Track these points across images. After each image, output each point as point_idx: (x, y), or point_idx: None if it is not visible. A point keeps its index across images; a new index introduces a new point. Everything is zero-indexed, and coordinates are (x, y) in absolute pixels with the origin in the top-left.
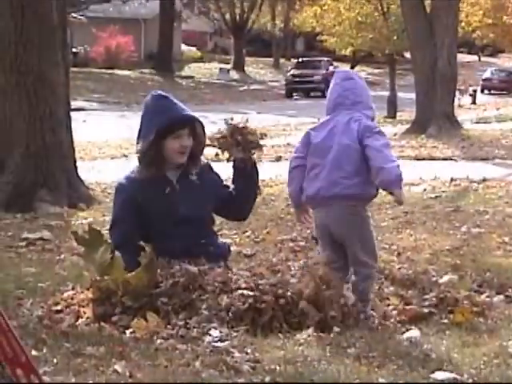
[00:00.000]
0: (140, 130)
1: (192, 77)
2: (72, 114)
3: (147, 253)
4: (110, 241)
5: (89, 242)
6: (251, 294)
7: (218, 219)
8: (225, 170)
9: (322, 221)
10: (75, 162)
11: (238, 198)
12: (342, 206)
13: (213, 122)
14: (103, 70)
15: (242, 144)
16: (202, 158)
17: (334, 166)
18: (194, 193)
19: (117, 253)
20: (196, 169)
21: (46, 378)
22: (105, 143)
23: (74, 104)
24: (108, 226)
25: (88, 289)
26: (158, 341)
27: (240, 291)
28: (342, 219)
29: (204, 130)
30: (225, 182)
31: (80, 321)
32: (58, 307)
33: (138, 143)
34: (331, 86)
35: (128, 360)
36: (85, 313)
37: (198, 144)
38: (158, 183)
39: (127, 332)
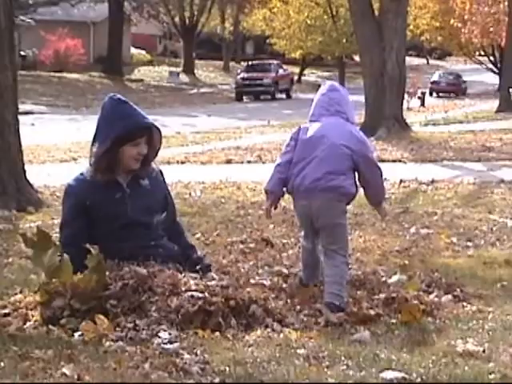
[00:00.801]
0: (96, 134)
1: (142, 80)
2: (20, 117)
3: (94, 255)
4: (58, 243)
5: (37, 245)
6: (201, 295)
7: None
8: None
9: (305, 211)
10: (23, 165)
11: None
12: (324, 198)
13: (163, 126)
14: (52, 74)
15: None
16: (155, 163)
17: (322, 161)
18: (144, 197)
19: (65, 255)
20: (146, 173)
21: None
22: (54, 147)
23: (22, 107)
24: (57, 229)
25: (36, 292)
26: (107, 343)
27: (190, 293)
28: (323, 210)
29: (161, 137)
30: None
31: (28, 324)
32: (6, 310)
33: (92, 146)
34: (318, 95)
35: (76, 363)
36: (33, 316)
37: (152, 150)
38: (108, 187)
39: (76, 335)
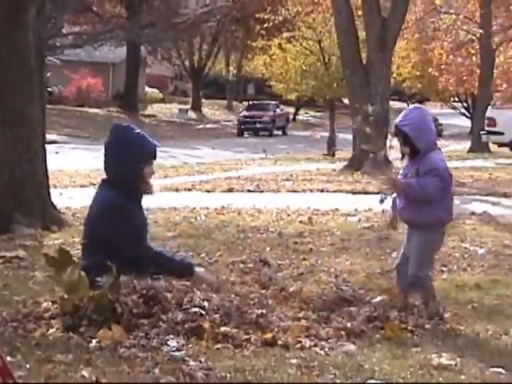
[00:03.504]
0: (118, 160)
1: (154, 116)
2: (46, 146)
3: (112, 273)
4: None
5: (58, 263)
6: (203, 312)
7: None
8: None
9: None
10: (49, 189)
11: None
12: None
13: (172, 156)
14: (74, 108)
15: None
16: None
17: None
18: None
19: (82, 272)
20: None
21: (20, 382)
22: (75, 173)
23: (47, 137)
24: (78, 247)
25: (58, 303)
26: (122, 349)
27: (193, 309)
28: None
29: None
30: None
31: (51, 331)
32: (31, 318)
33: (117, 172)
34: (430, 120)
35: (94, 366)
36: (55, 324)
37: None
38: (137, 209)
39: (93, 341)
